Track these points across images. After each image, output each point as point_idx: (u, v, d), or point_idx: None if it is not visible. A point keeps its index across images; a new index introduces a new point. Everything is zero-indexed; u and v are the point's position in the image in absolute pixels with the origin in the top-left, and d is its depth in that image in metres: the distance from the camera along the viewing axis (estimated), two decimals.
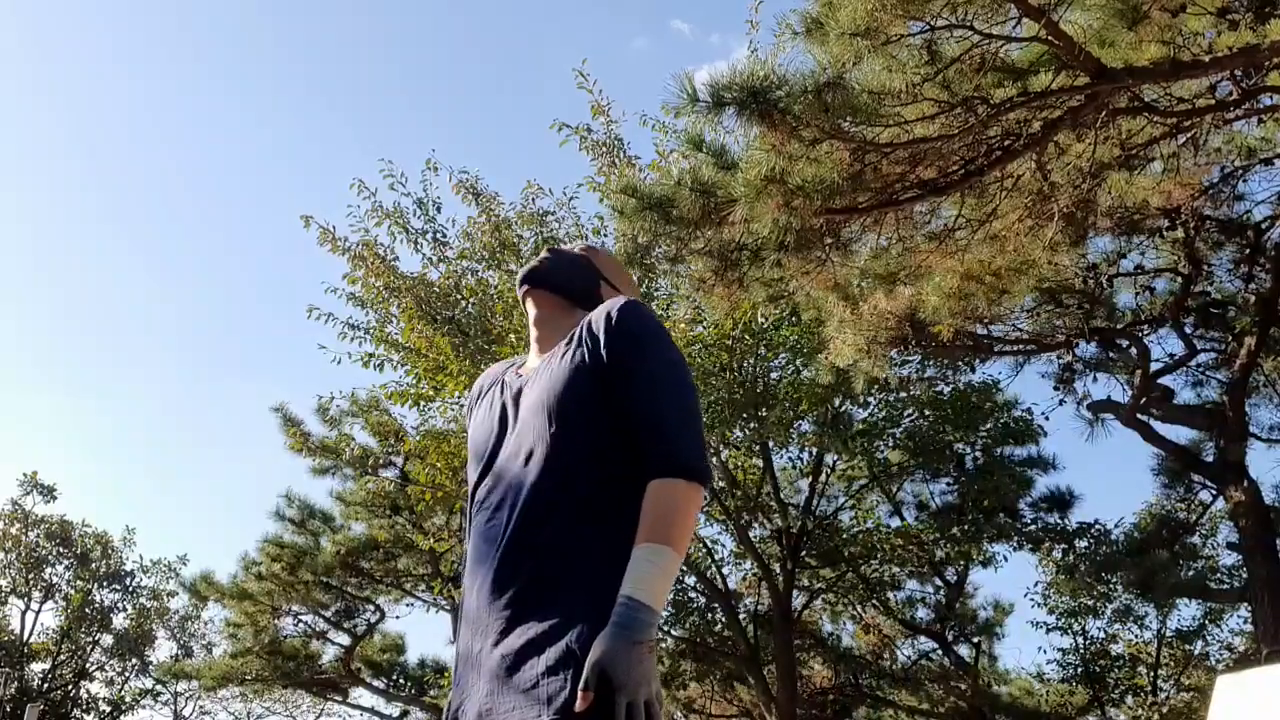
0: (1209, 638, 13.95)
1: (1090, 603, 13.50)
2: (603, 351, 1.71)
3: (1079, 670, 14.12)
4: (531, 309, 1.94)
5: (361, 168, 28.46)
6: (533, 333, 1.94)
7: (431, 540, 12.50)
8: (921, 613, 13.85)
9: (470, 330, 9.39)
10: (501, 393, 1.87)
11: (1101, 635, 14.28)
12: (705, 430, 9.52)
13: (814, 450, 11.14)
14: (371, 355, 9.79)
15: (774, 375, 10.00)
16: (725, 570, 12.26)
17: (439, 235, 10.30)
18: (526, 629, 1.56)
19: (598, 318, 1.76)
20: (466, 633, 1.68)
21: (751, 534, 11.26)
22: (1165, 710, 13.20)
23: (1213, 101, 5.00)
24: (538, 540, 1.62)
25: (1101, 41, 4.09)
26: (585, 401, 1.68)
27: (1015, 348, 9.29)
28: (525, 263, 2.00)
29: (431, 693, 15.17)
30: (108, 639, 24.29)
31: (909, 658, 14.70)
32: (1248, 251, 8.91)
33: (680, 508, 1.58)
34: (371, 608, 15.53)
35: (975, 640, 13.56)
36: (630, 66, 34.08)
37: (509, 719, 1.52)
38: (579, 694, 1.43)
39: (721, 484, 10.86)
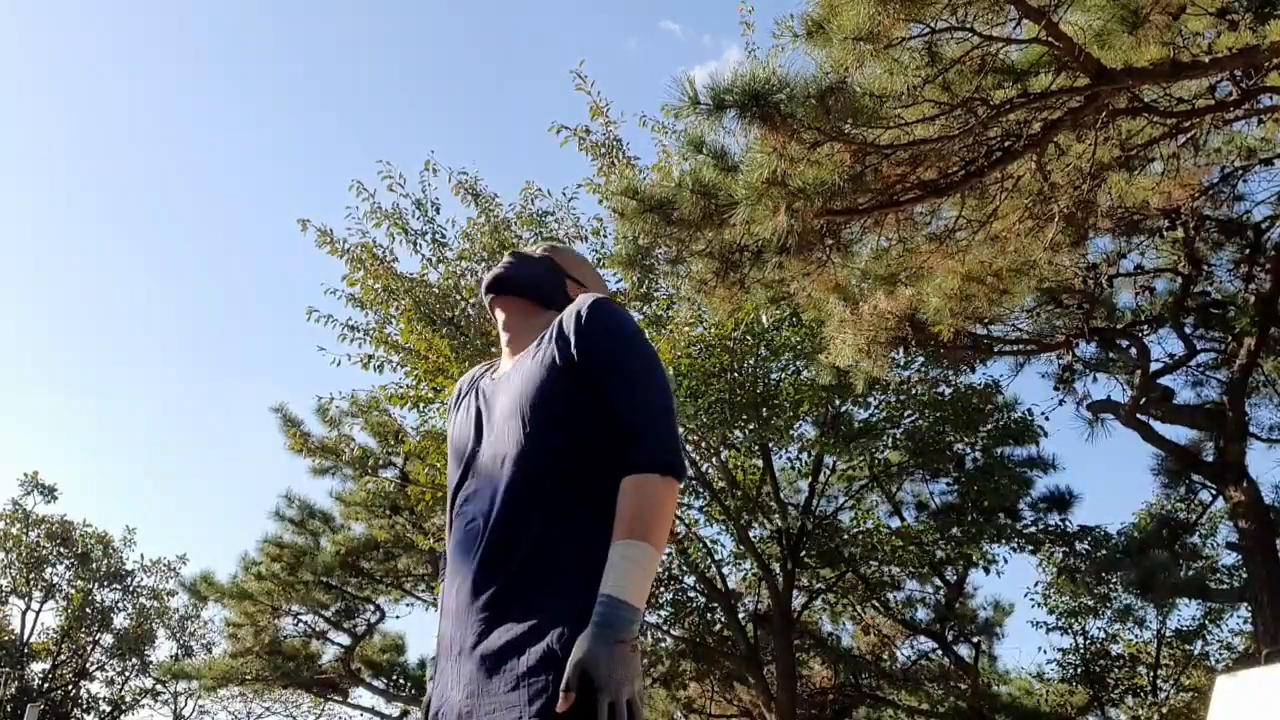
0: (1209, 638, 13.96)
1: (1090, 603, 13.49)
2: (573, 350, 1.69)
3: (1079, 670, 14.12)
4: (500, 314, 1.93)
5: (361, 168, 28.48)
6: (503, 337, 1.93)
7: (431, 540, 12.48)
8: (921, 613, 13.84)
9: (469, 331, 9.38)
10: (477, 397, 1.87)
11: (1101, 635, 14.30)
12: (706, 431, 9.53)
13: (814, 450, 11.14)
14: (371, 357, 9.78)
15: (774, 376, 9.99)
16: (725, 570, 12.24)
17: (438, 236, 10.30)
18: (507, 630, 1.55)
19: (567, 317, 1.75)
20: (446, 633, 1.68)
21: (751, 534, 11.25)
22: (1165, 710, 13.21)
23: (1213, 102, 5.00)
24: (516, 542, 1.61)
25: (1101, 42, 4.09)
26: (556, 402, 1.67)
27: (1015, 348, 9.30)
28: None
29: None
30: (108, 639, 24.31)
31: (909, 658, 14.69)
32: (1248, 251, 8.91)
33: (658, 504, 1.56)
34: (371, 608, 15.51)
35: (975, 640, 13.54)
36: (623, 67, 34.14)
37: None
38: (560, 695, 1.42)
39: (721, 484, 10.85)
